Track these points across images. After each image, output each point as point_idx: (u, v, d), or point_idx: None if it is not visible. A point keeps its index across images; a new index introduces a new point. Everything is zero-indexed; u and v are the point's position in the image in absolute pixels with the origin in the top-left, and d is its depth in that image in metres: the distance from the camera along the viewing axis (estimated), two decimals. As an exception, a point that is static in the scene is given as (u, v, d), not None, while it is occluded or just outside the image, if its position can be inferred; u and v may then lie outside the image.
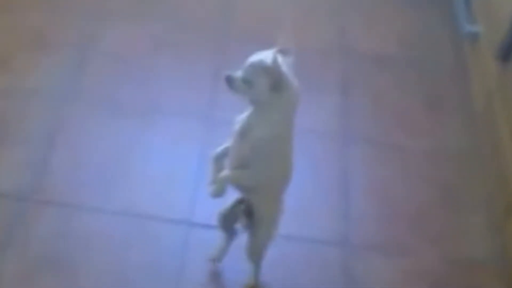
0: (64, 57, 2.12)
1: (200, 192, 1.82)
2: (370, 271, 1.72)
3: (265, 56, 1.40)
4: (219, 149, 1.49)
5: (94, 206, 1.76)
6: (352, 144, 2.02)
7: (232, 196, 1.53)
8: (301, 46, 2.23)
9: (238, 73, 1.40)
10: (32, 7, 2.24)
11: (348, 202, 1.87)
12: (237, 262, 1.61)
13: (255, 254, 1.60)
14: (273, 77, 1.38)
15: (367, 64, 2.26)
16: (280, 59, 1.39)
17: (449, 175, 1.97)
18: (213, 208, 1.55)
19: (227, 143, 1.49)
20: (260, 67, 1.38)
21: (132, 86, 2.08)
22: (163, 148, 1.95)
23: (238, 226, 1.60)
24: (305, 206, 1.85)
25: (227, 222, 1.61)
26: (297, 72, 2.24)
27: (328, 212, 1.84)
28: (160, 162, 1.90)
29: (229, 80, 1.40)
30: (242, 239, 1.56)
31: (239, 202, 1.56)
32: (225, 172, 1.46)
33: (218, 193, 1.46)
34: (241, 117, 1.47)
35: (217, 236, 1.62)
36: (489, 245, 1.80)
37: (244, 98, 1.42)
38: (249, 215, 1.55)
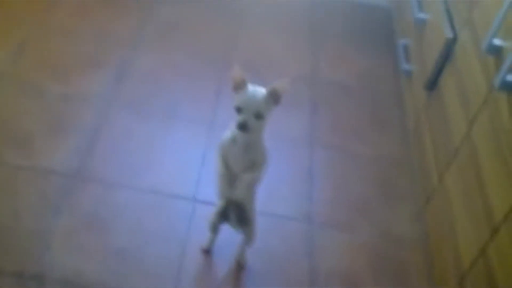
0: (108, 74, 2.13)
1: (203, 176, 1.84)
2: (327, 242, 1.75)
3: (258, 89, 1.32)
4: (222, 140, 1.40)
5: (125, 184, 1.79)
6: (317, 148, 2.03)
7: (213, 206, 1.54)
8: (284, 74, 2.33)
9: (246, 115, 1.29)
10: (86, 36, 2.25)
11: (312, 191, 1.89)
12: (230, 234, 1.60)
13: (253, 241, 1.57)
14: (275, 96, 1.31)
15: (332, 91, 2.27)
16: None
17: (387, 175, 1.99)
18: (211, 189, 1.54)
19: (229, 132, 1.39)
20: (265, 96, 1.30)
21: (156, 98, 2.09)
22: (178, 144, 1.95)
23: (230, 226, 1.54)
24: (280, 192, 1.87)
25: (216, 225, 1.56)
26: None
27: (297, 197, 1.87)
28: (174, 154, 1.91)
29: (245, 126, 1.29)
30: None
31: (223, 208, 1.49)
32: (246, 177, 1.38)
33: (244, 195, 1.41)
34: (231, 133, 1.37)
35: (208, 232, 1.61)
36: (414, 227, 1.83)
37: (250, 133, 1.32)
38: (240, 216, 1.50)
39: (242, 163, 1.38)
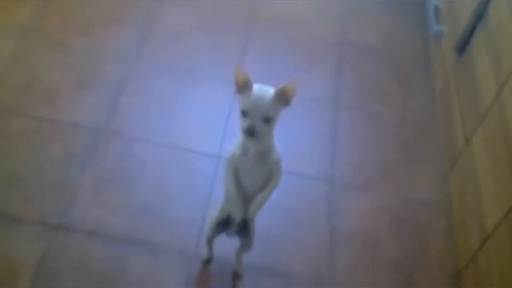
0: (132, 29, 2.13)
1: (227, 132, 1.85)
2: (348, 203, 1.77)
3: (265, 89, 1.18)
4: (231, 154, 1.26)
5: (149, 139, 1.80)
6: (341, 109, 2.03)
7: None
8: (312, 36, 2.29)
9: (253, 119, 1.16)
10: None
11: (335, 151, 1.90)
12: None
13: (250, 249, 1.46)
14: (283, 98, 1.18)
15: (358, 52, 2.24)
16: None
17: (411, 137, 1.99)
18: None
19: (235, 147, 1.26)
20: (272, 98, 1.17)
21: (181, 54, 2.08)
22: (202, 100, 1.95)
23: (227, 235, 1.42)
24: (304, 152, 1.88)
25: (214, 237, 1.46)
26: (309, 55, 2.29)
27: (320, 157, 1.87)
28: (199, 110, 1.92)
29: (252, 131, 1.16)
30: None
31: (224, 221, 1.38)
32: (260, 198, 1.27)
33: (256, 214, 1.31)
34: (240, 144, 1.24)
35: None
36: (437, 191, 1.84)
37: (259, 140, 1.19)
38: (241, 228, 1.37)
39: (258, 177, 1.27)
